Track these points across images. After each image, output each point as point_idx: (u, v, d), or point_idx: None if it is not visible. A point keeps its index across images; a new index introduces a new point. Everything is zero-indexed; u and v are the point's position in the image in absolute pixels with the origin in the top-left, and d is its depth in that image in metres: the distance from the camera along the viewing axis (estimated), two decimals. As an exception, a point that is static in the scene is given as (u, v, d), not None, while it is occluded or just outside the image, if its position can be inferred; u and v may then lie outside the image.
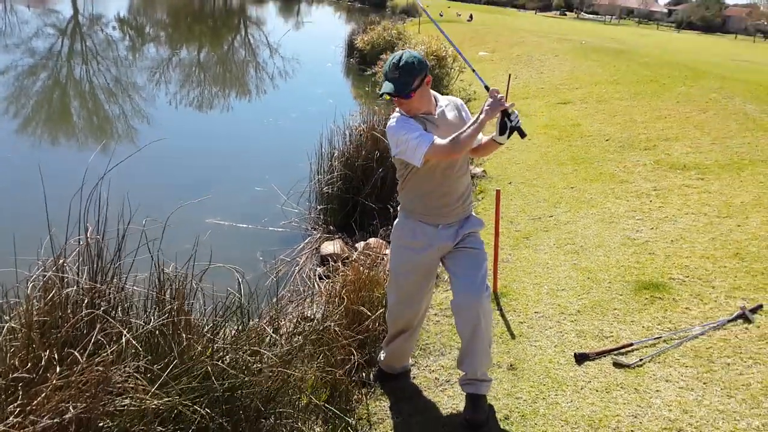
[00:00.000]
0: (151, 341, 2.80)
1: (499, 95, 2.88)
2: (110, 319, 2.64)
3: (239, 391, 2.71)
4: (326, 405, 3.11)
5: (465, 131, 2.87)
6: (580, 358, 3.56)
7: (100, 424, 2.42)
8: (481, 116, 2.87)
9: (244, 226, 6.18)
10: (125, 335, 2.58)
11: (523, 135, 2.98)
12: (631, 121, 8.72)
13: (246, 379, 2.70)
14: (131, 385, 2.44)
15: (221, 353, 2.80)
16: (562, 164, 7.23)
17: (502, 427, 3.10)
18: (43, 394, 2.32)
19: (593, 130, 8.49)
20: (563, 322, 3.96)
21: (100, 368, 2.37)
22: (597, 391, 3.28)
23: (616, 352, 3.57)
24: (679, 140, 7.64)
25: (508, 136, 2.96)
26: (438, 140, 2.86)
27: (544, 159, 7.48)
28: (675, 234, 5.06)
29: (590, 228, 5.36)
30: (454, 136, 2.87)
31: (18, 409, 2.29)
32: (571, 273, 4.59)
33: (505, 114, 2.90)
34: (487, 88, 2.99)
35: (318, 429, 3.10)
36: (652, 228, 5.23)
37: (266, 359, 2.86)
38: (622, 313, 3.99)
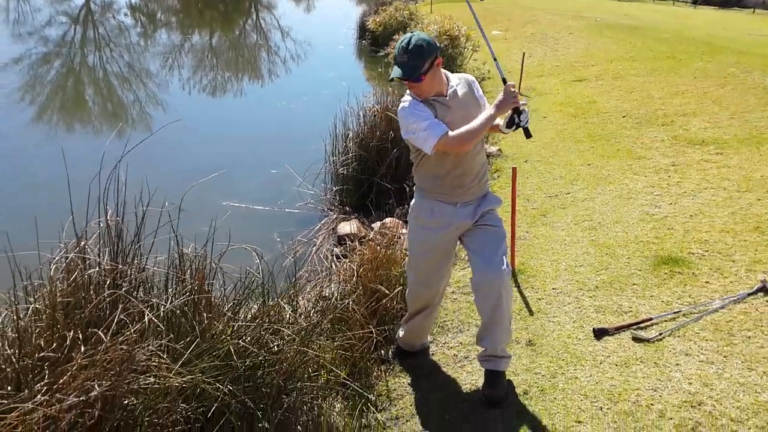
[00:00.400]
0: (172, 321, 2.83)
1: (513, 90, 2.88)
2: (132, 299, 2.67)
3: (260, 369, 2.74)
4: (346, 380, 3.14)
5: (474, 124, 2.89)
6: (599, 333, 3.55)
7: (125, 402, 2.46)
8: (491, 111, 2.89)
9: (261, 208, 6.21)
10: (147, 315, 2.61)
11: (528, 136, 3.02)
12: (648, 97, 8.62)
13: (267, 356, 2.73)
14: (154, 364, 2.48)
15: (242, 332, 2.83)
16: (579, 141, 7.17)
17: (521, 402, 3.11)
18: (69, 373, 2.36)
19: (610, 106, 8.40)
20: (582, 298, 3.95)
21: (124, 347, 2.41)
22: (616, 365, 3.28)
23: (635, 327, 3.56)
24: (697, 115, 7.54)
25: (514, 130, 2.98)
26: (448, 133, 2.87)
27: (561, 137, 7.42)
28: (694, 209, 5.01)
29: (608, 204, 5.32)
30: (463, 129, 2.88)
31: (45, 388, 2.34)
32: (589, 249, 4.57)
33: (516, 111, 2.91)
34: (504, 81, 2.97)
35: (338, 405, 3.13)
36: (671, 203, 5.18)
37: (286, 337, 2.89)
38: (641, 288, 3.97)
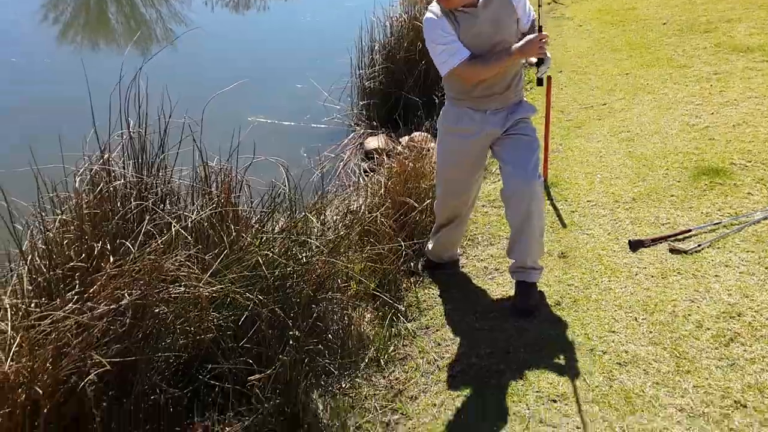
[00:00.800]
0: (200, 232, 2.81)
1: (543, 42, 2.78)
2: (159, 211, 2.64)
3: (289, 280, 2.72)
4: (376, 291, 3.11)
5: (490, 62, 2.81)
6: (635, 245, 3.46)
7: (156, 310, 2.47)
8: (511, 54, 2.82)
9: (287, 123, 6.11)
10: (174, 226, 2.58)
11: (539, 84, 3.08)
12: (690, 3, 8.13)
13: (295, 267, 2.70)
14: (183, 273, 2.47)
15: (270, 243, 2.80)
16: (617, 50, 6.84)
17: (553, 312, 3.06)
18: (99, 283, 2.37)
19: (649, 13, 7.96)
20: (617, 210, 3.84)
21: (152, 257, 2.39)
22: (652, 276, 3.20)
23: (672, 239, 3.46)
24: (743, 21, 7.11)
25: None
26: (463, 63, 2.79)
27: (597, 45, 7.09)
28: (737, 118, 4.78)
29: (646, 115, 5.10)
30: (477, 64, 2.80)
31: (76, 297, 2.35)
32: (625, 161, 4.41)
33: (539, 59, 2.88)
34: (540, 28, 2.85)
35: (368, 315, 3.12)
36: (713, 113, 4.94)
37: (314, 248, 2.85)
38: (680, 200, 3.84)
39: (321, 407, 2.58)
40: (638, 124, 4.95)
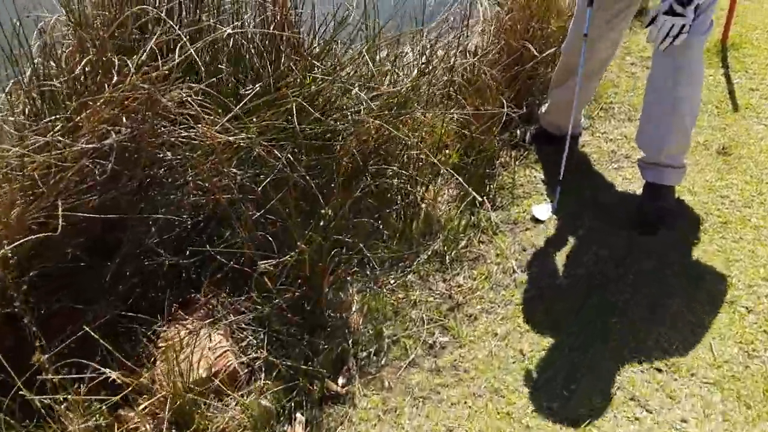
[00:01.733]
0: (240, 58, 2.19)
1: None
2: (167, 21, 1.97)
3: (333, 141, 2.08)
4: (459, 166, 2.37)
5: None
6: (834, 153, 2.48)
7: (160, 155, 1.94)
8: None
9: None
10: (183, 38, 1.91)
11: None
12: None
13: (341, 126, 2.04)
14: (191, 113, 1.88)
15: (319, 84, 2.12)
16: None
17: (689, 231, 2.24)
18: (89, 111, 1.84)
19: None
20: (818, 97, 2.79)
21: (146, 86, 1.80)
22: None
23: None
24: None
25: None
26: None
27: None
28: None
29: None
30: None
31: (60, 126, 1.84)
32: None
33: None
34: None
35: (446, 194, 2.44)
36: None
37: (366, 103, 2.14)
38: None
39: (355, 307, 2.04)
40: None
